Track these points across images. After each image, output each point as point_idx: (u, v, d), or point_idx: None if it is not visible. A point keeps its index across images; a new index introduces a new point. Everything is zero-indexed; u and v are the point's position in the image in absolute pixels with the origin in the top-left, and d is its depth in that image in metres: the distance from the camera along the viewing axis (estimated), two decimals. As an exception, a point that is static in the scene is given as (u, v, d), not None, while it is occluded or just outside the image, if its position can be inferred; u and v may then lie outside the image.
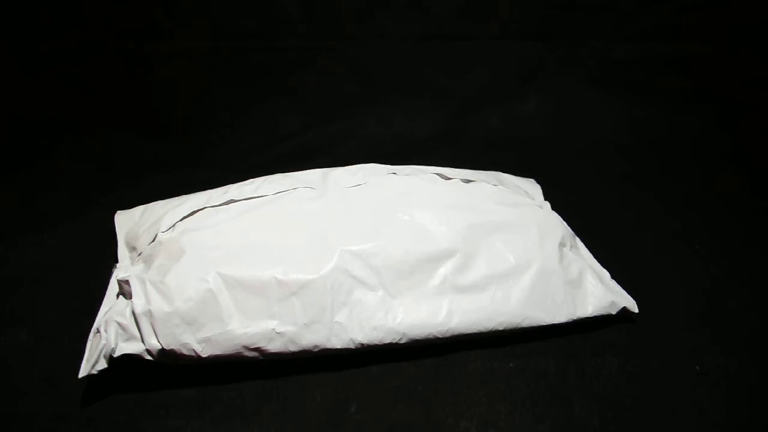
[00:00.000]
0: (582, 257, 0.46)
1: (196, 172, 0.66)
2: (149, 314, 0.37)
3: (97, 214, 0.56)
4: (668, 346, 0.42)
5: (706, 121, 0.71)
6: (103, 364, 0.36)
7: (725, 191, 0.61)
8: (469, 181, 0.49)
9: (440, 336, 0.40)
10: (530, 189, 0.53)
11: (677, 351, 0.41)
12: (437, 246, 0.42)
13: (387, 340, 0.39)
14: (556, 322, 0.42)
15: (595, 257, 0.47)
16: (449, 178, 0.49)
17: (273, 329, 0.38)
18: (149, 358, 0.37)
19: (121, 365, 0.38)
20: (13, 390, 0.39)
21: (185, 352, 0.37)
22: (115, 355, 0.36)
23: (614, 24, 0.70)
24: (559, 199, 0.51)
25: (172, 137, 0.72)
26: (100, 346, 0.36)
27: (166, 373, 0.39)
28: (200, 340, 0.37)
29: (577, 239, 0.49)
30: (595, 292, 0.43)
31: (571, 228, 0.48)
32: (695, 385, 0.39)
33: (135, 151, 0.70)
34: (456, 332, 0.40)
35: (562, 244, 0.45)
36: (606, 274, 0.45)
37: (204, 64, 0.72)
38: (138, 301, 0.37)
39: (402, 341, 0.39)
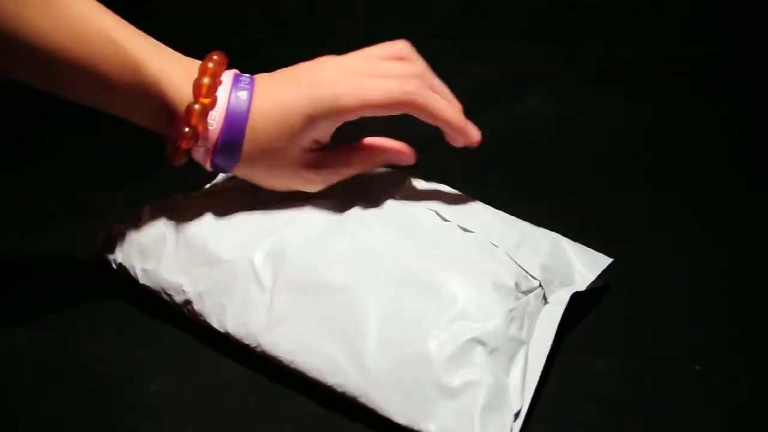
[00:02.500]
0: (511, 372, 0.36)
1: (197, 172, 0.66)
2: (123, 235, 0.46)
3: (97, 214, 0.56)
4: (668, 346, 0.42)
5: (706, 120, 0.71)
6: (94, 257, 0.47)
7: (726, 191, 0.61)
8: (467, 231, 0.42)
9: (283, 361, 0.38)
10: (583, 265, 0.43)
11: (677, 351, 0.41)
12: (336, 279, 0.38)
13: (245, 341, 0.39)
14: (393, 418, 0.34)
15: (594, 257, 0.46)
16: (447, 220, 0.43)
17: (181, 285, 0.42)
18: (114, 266, 0.46)
19: (122, 363, 0.38)
20: (14, 390, 0.39)
21: (131, 273, 0.44)
22: (102, 255, 0.46)
23: (614, 24, 0.70)
24: (559, 199, 0.51)
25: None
26: (98, 246, 0.47)
27: (167, 374, 0.39)
28: (142, 269, 0.44)
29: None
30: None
31: (571, 228, 0.48)
32: (695, 385, 0.39)
33: (135, 151, 0.70)
34: (294, 366, 0.38)
35: (479, 341, 0.35)
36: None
37: (204, 64, 0.72)
38: (124, 227, 0.46)
39: (257, 349, 0.39)
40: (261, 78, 0.42)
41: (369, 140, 0.45)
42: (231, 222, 0.44)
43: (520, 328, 0.37)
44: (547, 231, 0.46)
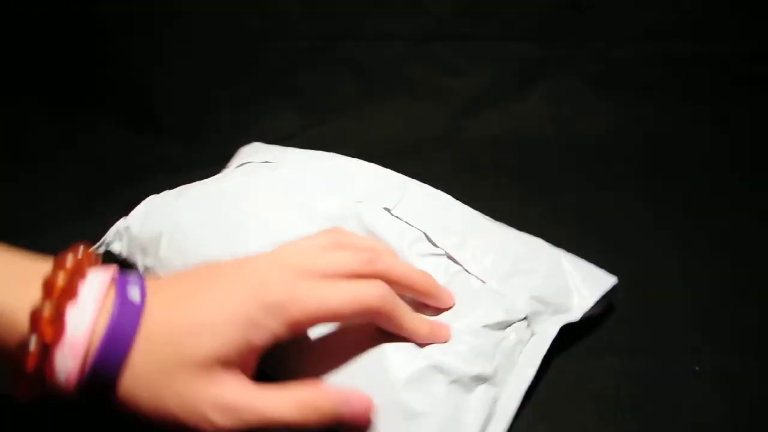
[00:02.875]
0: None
1: (196, 172, 0.66)
2: (128, 230, 0.47)
3: (97, 214, 0.56)
4: (668, 346, 0.42)
5: (705, 121, 0.71)
6: (101, 249, 0.48)
7: (725, 191, 0.61)
8: (454, 262, 0.40)
9: None
10: (585, 286, 0.41)
11: (677, 351, 0.41)
12: None
13: None
14: None
15: (594, 257, 0.46)
16: (436, 245, 0.40)
17: None
18: (121, 259, 0.47)
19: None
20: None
21: (136, 266, 0.45)
22: (108, 248, 0.48)
23: (614, 24, 0.70)
24: (558, 199, 0.51)
25: (172, 137, 0.72)
26: (103, 239, 0.48)
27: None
28: (143, 265, 0.45)
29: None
30: None
31: (570, 228, 0.48)
32: (695, 385, 0.39)
33: (135, 151, 0.70)
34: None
35: (440, 370, 0.34)
36: None
37: (204, 64, 0.72)
38: (128, 222, 0.47)
39: None
40: (155, 279, 0.32)
41: (322, 386, 0.33)
42: (226, 221, 0.43)
43: (489, 362, 0.35)
44: (549, 247, 0.44)
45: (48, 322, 0.27)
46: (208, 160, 0.70)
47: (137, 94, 0.72)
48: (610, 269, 0.45)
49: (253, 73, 0.72)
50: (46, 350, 0.27)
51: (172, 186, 0.51)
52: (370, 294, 0.32)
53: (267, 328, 0.29)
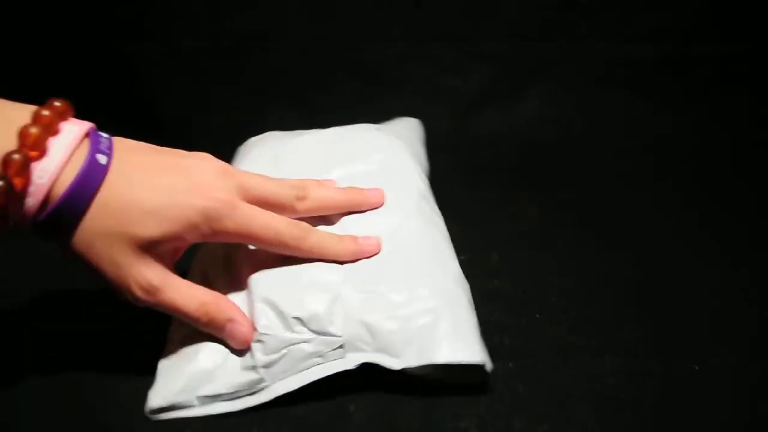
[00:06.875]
0: None
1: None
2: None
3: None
4: (668, 346, 0.42)
5: (706, 121, 0.71)
6: None
7: (725, 191, 0.61)
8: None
9: None
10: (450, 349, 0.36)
11: (677, 351, 0.41)
12: None
13: None
14: None
15: (594, 256, 0.46)
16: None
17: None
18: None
19: (122, 363, 0.38)
20: (14, 389, 0.39)
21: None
22: None
23: (614, 24, 0.70)
24: (558, 199, 0.51)
25: (172, 137, 0.72)
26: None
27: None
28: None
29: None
30: None
31: (570, 228, 0.48)
32: (695, 385, 0.39)
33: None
34: None
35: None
36: None
37: (204, 64, 0.72)
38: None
39: None
40: (122, 143, 0.37)
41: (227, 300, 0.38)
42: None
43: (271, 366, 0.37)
44: (456, 295, 0.40)
45: (16, 169, 0.31)
46: (208, 160, 0.70)
47: (137, 94, 0.72)
48: (610, 269, 0.45)
49: (253, 73, 0.72)
50: (12, 192, 0.31)
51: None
52: (286, 230, 0.38)
53: (200, 231, 0.36)
